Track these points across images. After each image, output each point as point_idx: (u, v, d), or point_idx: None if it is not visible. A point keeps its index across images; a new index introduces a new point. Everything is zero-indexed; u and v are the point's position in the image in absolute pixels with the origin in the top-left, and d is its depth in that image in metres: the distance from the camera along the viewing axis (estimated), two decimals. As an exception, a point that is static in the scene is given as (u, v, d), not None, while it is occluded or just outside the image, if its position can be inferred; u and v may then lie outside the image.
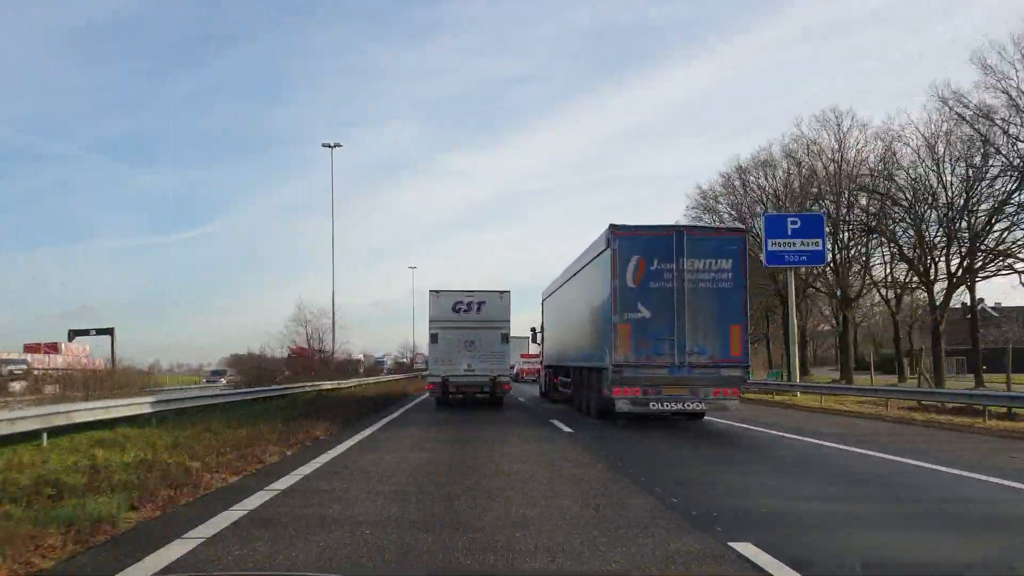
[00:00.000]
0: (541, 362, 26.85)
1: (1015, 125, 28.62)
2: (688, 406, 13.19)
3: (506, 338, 19.39)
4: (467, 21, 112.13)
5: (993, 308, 54.51)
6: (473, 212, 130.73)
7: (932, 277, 33.00)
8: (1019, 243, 30.17)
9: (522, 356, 43.89)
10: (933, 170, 31.70)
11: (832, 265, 36.99)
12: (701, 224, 37.36)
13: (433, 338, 19.37)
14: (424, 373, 42.89)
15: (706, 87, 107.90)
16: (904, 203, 32.93)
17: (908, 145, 32.45)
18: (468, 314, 19.28)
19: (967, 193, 30.67)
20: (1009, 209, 29.74)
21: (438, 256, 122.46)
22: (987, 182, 30.19)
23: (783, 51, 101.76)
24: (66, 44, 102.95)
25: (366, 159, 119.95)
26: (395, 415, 17.25)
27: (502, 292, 19.71)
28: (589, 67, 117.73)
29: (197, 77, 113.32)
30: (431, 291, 19.74)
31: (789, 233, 26.92)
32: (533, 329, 28.14)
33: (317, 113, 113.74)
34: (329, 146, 32.57)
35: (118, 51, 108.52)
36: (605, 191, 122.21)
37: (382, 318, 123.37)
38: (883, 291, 39.32)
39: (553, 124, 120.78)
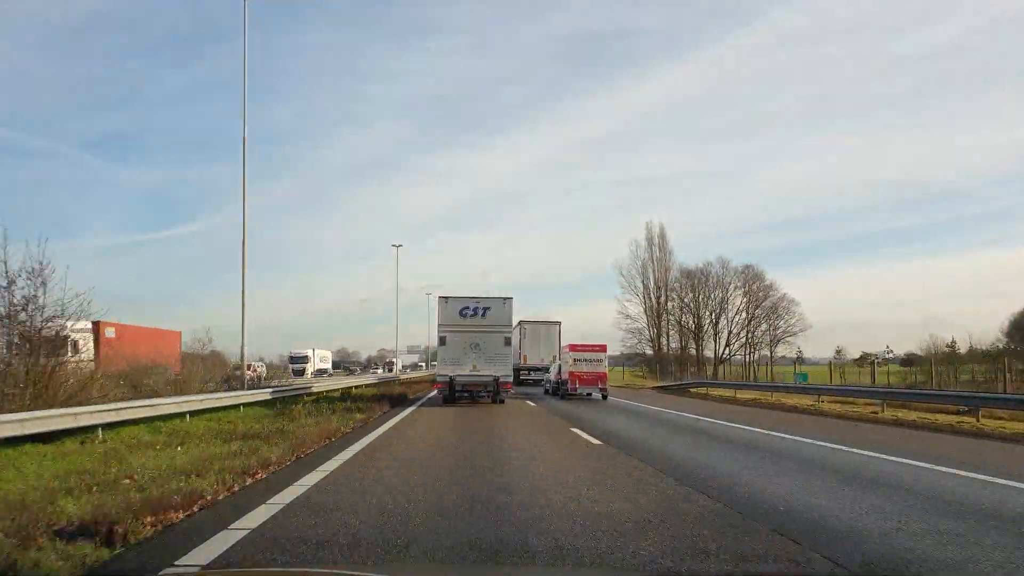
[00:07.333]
0: None
1: None
2: None
3: (508, 341, 20.51)
4: (453, 23, 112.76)
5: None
6: (454, 212, 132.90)
7: None
8: None
9: (571, 348, 27.29)
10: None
11: None
12: None
13: (442, 340, 20.46)
14: (411, 376, 42.57)
15: (684, 92, 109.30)
16: None
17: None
18: (474, 318, 20.34)
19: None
20: None
21: (420, 254, 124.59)
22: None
23: (761, 58, 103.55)
24: (52, 40, 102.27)
25: (355, 158, 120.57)
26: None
27: (505, 298, 20.77)
28: (570, 71, 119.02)
29: (185, 75, 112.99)
30: (440, 297, 20.84)
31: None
32: None
33: (304, 112, 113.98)
34: None
35: (105, 48, 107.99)
36: (586, 193, 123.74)
37: (369, 318, 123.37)
38: None
39: (536, 126, 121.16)
